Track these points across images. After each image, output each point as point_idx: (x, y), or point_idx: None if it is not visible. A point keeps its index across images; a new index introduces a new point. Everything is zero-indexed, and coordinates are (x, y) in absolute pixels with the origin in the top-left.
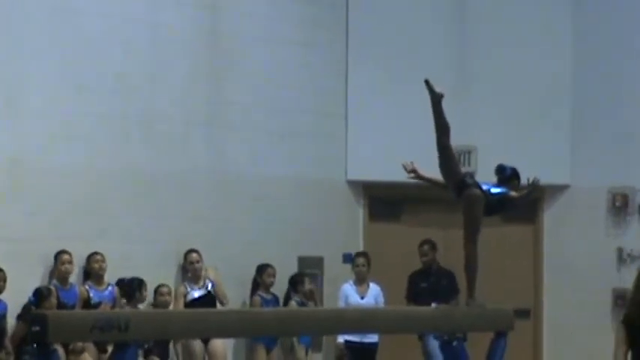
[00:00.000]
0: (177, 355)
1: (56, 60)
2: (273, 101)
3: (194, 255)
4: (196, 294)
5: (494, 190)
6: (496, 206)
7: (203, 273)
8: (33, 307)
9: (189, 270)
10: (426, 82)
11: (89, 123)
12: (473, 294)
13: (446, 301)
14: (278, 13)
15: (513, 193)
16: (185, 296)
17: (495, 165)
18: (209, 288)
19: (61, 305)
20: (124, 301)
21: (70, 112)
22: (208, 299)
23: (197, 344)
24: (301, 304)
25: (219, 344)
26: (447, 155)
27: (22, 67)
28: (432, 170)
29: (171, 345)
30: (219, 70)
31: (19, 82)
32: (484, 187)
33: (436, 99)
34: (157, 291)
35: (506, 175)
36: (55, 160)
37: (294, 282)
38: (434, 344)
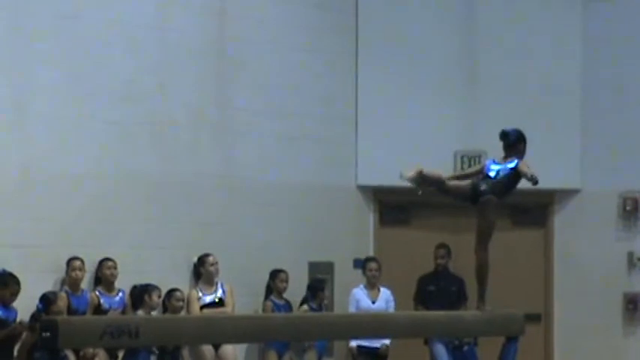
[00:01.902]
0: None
1: (65, 66)
2: (282, 106)
3: (211, 258)
4: (207, 299)
5: (501, 173)
6: (508, 186)
7: (217, 279)
8: (42, 315)
9: (205, 272)
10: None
11: (98, 129)
12: (484, 298)
13: (454, 306)
14: (287, 19)
15: (521, 166)
16: (198, 300)
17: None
18: (220, 295)
19: (72, 311)
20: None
21: (79, 118)
22: (219, 306)
23: (207, 349)
24: (315, 309)
25: (229, 349)
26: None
27: (31, 73)
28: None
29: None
30: (228, 76)
31: (29, 88)
32: (491, 170)
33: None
34: (169, 296)
35: (511, 140)
36: (64, 166)
37: (314, 288)
38: (439, 348)
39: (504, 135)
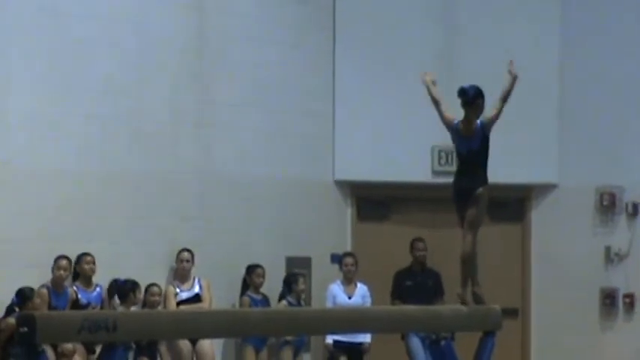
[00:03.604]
0: (160, 355)
1: (44, 61)
2: (260, 101)
3: (185, 254)
4: (184, 295)
5: (473, 148)
6: (485, 157)
7: (192, 274)
8: (16, 309)
9: (178, 268)
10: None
11: (78, 124)
12: (473, 284)
13: (430, 301)
14: (265, 14)
15: (491, 115)
16: (175, 296)
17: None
18: (197, 291)
19: (51, 309)
20: (117, 302)
21: (59, 113)
22: (195, 302)
23: (184, 344)
24: (294, 304)
25: (207, 344)
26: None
27: (10, 68)
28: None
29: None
30: (207, 71)
31: (7, 83)
32: (461, 146)
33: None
34: (147, 291)
35: (470, 97)
36: (43, 161)
37: (289, 282)
38: (415, 342)
39: (463, 92)
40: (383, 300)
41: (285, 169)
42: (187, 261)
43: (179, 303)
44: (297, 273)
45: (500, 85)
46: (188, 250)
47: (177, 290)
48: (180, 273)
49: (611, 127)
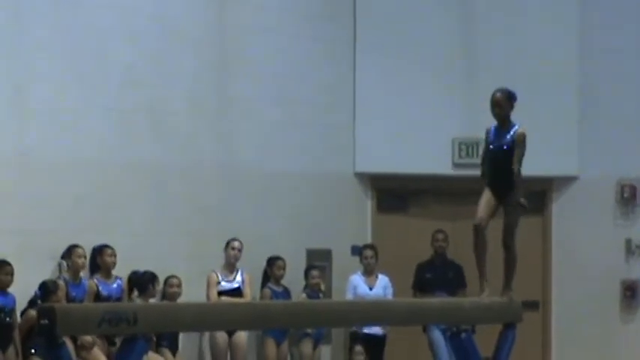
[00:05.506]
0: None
1: (64, 53)
2: (281, 94)
3: (236, 243)
4: (226, 285)
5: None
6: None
7: (238, 266)
8: (39, 302)
9: (227, 256)
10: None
11: (97, 116)
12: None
13: (452, 293)
14: (286, 6)
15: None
16: (217, 284)
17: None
18: (238, 284)
19: (70, 300)
20: (135, 294)
21: (79, 104)
22: (236, 296)
23: (221, 336)
24: (313, 296)
25: (242, 337)
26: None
27: (30, 59)
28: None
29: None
30: (227, 63)
31: (27, 74)
32: (493, 144)
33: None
34: (166, 282)
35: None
36: (63, 153)
37: (305, 274)
38: (437, 335)
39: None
40: (403, 292)
41: (305, 161)
42: (238, 250)
43: (220, 293)
44: (312, 265)
45: (520, 75)
46: (238, 240)
47: (220, 278)
48: (229, 262)
49: (631, 119)
